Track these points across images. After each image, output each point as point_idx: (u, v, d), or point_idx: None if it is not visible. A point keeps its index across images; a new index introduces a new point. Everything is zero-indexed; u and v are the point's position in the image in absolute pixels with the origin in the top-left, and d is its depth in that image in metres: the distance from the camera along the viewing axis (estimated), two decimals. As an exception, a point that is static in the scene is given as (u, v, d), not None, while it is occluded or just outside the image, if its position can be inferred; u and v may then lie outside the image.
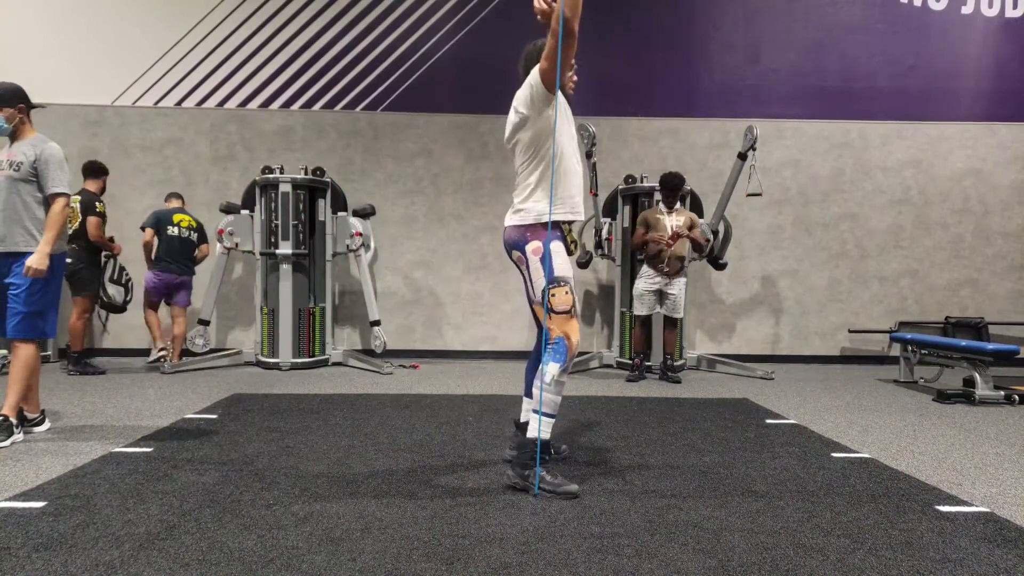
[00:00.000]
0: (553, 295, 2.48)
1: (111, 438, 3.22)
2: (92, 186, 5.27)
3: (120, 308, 5.55)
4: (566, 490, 2.41)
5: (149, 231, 5.63)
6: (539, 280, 2.51)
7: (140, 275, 6.27)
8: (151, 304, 5.76)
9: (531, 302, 2.61)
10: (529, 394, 2.76)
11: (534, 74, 2.45)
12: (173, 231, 5.66)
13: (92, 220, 5.07)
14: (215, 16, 6.53)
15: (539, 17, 2.49)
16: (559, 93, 2.47)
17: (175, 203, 5.89)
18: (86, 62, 6.47)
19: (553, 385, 2.45)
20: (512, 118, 2.57)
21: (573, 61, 2.51)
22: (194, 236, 5.80)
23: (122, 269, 5.54)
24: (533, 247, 2.51)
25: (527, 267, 2.54)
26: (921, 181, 6.74)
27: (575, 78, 2.65)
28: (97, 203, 5.14)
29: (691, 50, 6.71)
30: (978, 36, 6.72)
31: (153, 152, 6.55)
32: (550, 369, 2.44)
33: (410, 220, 6.68)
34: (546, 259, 2.49)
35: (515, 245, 2.58)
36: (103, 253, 5.36)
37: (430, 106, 6.64)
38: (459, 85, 6.64)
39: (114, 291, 5.42)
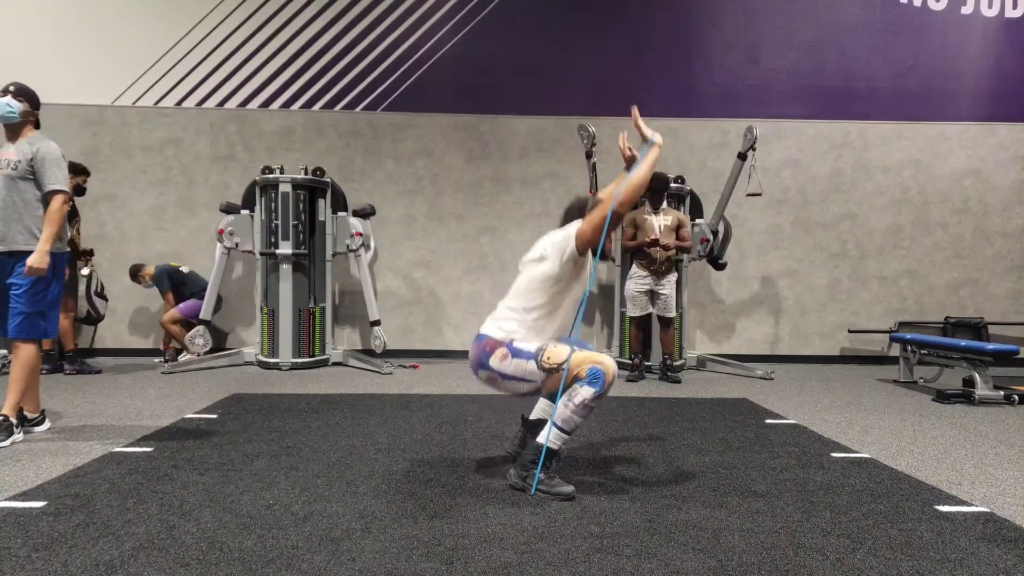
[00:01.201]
0: (548, 358, 2.40)
1: (111, 438, 3.22)
2: None
3: (100, 319, 5.80)
4: (560, 491, 2.40)
5: (169, 293, 5.96)
6: (528, 367, 2.42)
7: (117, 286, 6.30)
8: (181, 321, 5.99)
9: (539, 389, 2.50)
10: (549, 397, 2.76)
11: (574, 233, 2.47)
12: (185, 269, 6.10)
13: None
14: (215, 16, 6.53)
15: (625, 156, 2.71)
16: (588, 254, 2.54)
17: (149, 268, 6.11)
18: (86, 62, 6.48)
19: (581, 408, 2.36)
20: (539, 251, 2.57)
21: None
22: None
23: (101, 284, 5.80)
24: (499, 355, 2.44)
25: (506, 375, 2.45)
26: (921, 181, 6.74)
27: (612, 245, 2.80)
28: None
29: (691, 50, 6.71)
30: (978, 36, 6.72)
31: (153, 152, 6.55)
32: (583, 391, 2.35)
33: (410, 220, 6.68)
34: (517, 353, 2.43)
35: (480, 364, 2.50)
36: (80, 269, 5.46)
37: (430, 106, 6.64)
38: (459, 85, 6.64)
39: (99, 304, 5.68)
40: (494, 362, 2.45)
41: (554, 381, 2.42)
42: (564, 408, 2.39)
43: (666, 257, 5.25)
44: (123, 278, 6.38)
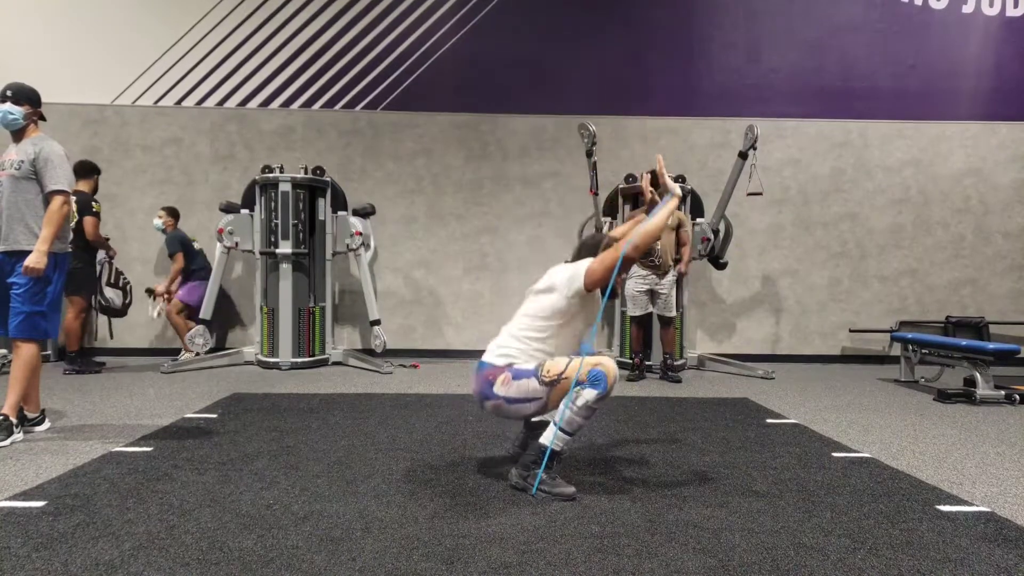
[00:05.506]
0: (547, 371, 2.42)
1: (111, 438, 3.22)
2: (84, 186, 5.24)
3: (120, 312, 5.70)
4: (561, 492, 2.41)
5: (180, 256, 5.89)
6: (530, 385, 2.43)
7: (137, 278, 6.29)
8: (191, 313, 5.89)
9: (547, 405, 2.48)
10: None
11: (584, 271, 2.48)
12: (198, 246, 6.13)
13: (89, 220, 5.09)
14: (215, 15, 6.52)
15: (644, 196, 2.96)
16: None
17: (172, 222, 6.01)
18: (86, 62, 6.47)
19: (583, 409, 2.38)
20: (547, 281, 2.58)
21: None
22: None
23: (119, 272, 5.69)
24: (501, 380, 2.45)
25: (511, 399, 2.45)
26: (921, 181, 6.73)
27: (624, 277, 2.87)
28: (93, 203, 5.17)
29: (691, 50, 6.70)
30: (979, 35, 6.71)
31: (153, 151, 6.54)
32: (585, 393, 2.36)
33: (410, 220, 6.68)
34: (518, 375, 2.44)
35: (484, 395, 2.50)
36: (99, 258, 5.46)
37: (430, 106, 6.63)
38: (459, 85, 6.63)
39: (112, 295, 5.58)
40: (498, 389, 2.47)
41: (558, 393, 2.44)
42: (567, 410, 2.40)
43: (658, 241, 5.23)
44: (123, 278, 6.38)
